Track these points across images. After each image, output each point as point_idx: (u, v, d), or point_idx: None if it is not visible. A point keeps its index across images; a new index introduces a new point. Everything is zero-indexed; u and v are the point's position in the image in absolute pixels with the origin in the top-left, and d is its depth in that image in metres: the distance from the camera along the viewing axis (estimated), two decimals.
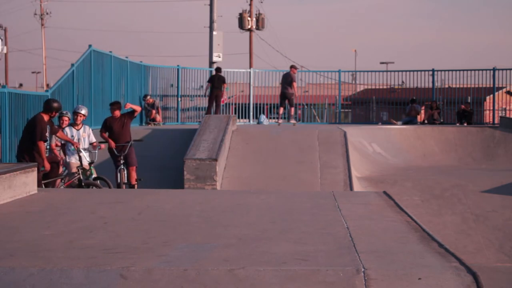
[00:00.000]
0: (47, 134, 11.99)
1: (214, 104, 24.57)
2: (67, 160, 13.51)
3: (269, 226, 7.63)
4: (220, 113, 24.28)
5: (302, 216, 8.47)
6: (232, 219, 8.25)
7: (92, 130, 14.26)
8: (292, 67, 23.40)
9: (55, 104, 12.14)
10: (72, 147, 13.28)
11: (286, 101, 23.42)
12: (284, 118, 24.12)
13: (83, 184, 12.93)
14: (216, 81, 24.49)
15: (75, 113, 13.85)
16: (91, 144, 13.78)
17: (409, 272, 5.47)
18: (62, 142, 13.76)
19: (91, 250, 6.14)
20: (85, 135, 13.77)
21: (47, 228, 7.43)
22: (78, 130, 13.75)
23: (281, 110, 24.09)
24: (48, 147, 12.93)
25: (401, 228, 7.59)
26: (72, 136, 13.55)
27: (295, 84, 23.05)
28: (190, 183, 15.11)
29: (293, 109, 23.93)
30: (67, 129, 13.62)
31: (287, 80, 23.08)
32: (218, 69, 25.13)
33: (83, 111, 13.81)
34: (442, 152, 23.10)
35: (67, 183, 13.13)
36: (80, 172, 13.01)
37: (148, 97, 24.71)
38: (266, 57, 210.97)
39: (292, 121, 23.90)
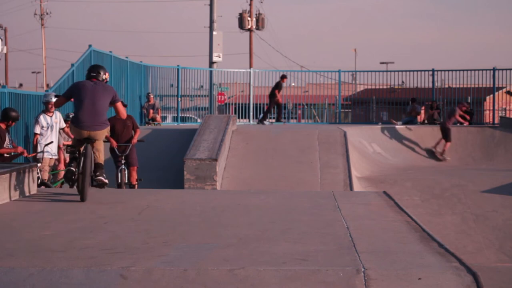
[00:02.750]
0: (7, 141, 12.11)
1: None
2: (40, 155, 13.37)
3: (269, 226, 7.63)
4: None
5: (302, 216, 8.47)
6: (232, 219, 8.25)
7: None
8: (460, 103, 24.32)
9: (13, 113, 12.25)
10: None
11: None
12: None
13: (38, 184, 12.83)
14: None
15: (48, 103, 13.71)
16: (61, 129, 13.81)
17: (409, 272, 5.47)
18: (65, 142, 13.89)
19: (91, 250, 6.14)
20: (56, 121, 13.77)
21: (47, 228, 7.43)
22: (51, 117, 13.70)
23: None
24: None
25: (401, 228, 7.59)
26: (48, 123, 13.54)
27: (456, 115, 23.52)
28: (190, 183, 15.12)
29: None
30: (41, 117, 13.55)
31: (452, 113, 23.65)
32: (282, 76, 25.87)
33: (54, 99, 13.65)
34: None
35: None
36: (38, 170, 12.96)
37: (151, 96, 24.66)
38: (266, 57, 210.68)
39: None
